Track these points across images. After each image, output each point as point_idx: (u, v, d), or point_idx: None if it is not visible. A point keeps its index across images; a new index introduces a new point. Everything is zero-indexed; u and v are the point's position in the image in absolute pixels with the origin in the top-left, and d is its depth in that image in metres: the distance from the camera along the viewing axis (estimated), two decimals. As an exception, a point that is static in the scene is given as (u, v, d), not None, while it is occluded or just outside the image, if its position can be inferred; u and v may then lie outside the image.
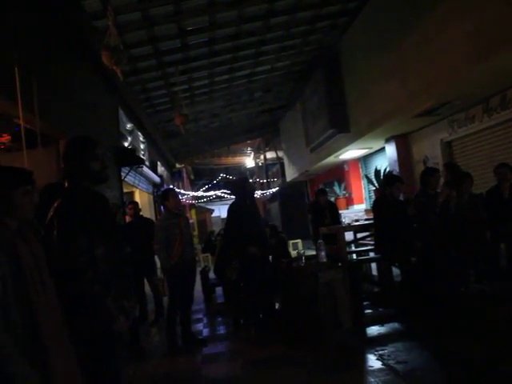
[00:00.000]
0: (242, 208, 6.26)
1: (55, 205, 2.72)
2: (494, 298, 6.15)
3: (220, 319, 7.64)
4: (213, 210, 35.33)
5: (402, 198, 6.81)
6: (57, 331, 2.22)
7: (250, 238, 6.03)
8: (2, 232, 2.09)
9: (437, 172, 6.40)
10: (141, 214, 7.90)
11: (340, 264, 5.99)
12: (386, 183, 6.73)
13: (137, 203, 8.07)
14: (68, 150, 2.88)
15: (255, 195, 7.21)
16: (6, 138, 5.38)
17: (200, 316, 8.00)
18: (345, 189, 15.05)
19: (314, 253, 7.77)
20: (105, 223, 2.75)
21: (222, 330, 6.94)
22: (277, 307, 6.70)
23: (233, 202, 6.64)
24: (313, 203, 10.01)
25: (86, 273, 2.55)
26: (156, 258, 6.79)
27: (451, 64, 6.66)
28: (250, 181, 7.10)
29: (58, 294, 2.38)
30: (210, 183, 27.87)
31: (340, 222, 8.43)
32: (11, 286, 2.01)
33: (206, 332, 6.89)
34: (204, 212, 32.28)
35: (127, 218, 8.30)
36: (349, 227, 6.90)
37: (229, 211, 6.58)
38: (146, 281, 7.55)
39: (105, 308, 2.61)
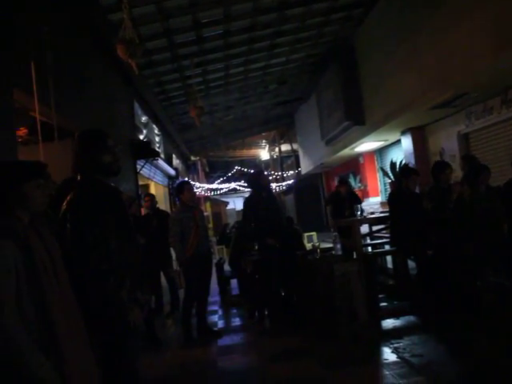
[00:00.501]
0: (258, 201, 6.27)
1: (68, 198, 2.74)
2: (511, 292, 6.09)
3: (235, 311, 7.67)
4: (228, 203, 35.42)
5: (417, 190, 6.75)
6: (71, 323, 2.24)
7: (266, 230, 6.04)
8: (15, 224, 2.11)
9: (447, 167, 6.34)
10: (157, 206, 7.94)
11: (355, 257, 5.97)
12: (401, 176, 6.68)
13: (153, 195, 8.11)
14: (79, 144, 2.88)
15: (271, 188, 7.21)
16: (22, 131, 5.42)
17: (215, 308, 8.04)
18: (360, 181, 14.98)
19: (329, 245, 7.76)
20: (118, 216, 2.76)
21: (236, 322, 6.97)
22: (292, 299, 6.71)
23: (248, 195, 6.66)
24: (333, 194, 9.74)
25: (101, 265, 2.57)
26: (172, 251, 6.83)
27: (469, 55, 6.57)
28: (265, 173, 7.08)
29: (74, 287, 2.40)
30: (224, 176, 27.87)
31: (362, 213, 8.21)
32: (24, 278, 2.04)
33: (221, 324, 6.92)
34: (219, 204, 32.36)
35: (143, 211, 8.35)
36: (364, 220, 6.86)
37: (244, 204, 6.60)
38: (162, 273, 7.60)
39: (119, 300, 2.63)
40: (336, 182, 9.76)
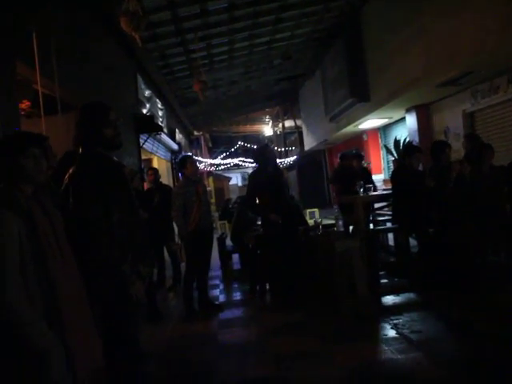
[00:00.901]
0: (263, 175, 6.25)
1: (70, 171, 2.74)
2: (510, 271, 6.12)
3: (236, 286, 7.74)
4: (230, 178, 35.43)
5: (421, 168, 6.74)
6: (74, 295, 2.27)
7: (270, 205, 6.04)
8: (18, 197, 2.12)
9: (447, 146, 6.32)
10: (160, 180, 7.94)
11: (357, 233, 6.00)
12: (405, 153, 6.67)
13: (157, 170, 8.10)
14: (81, 116, 2.88)
15: (277, 163, 7.14)
16: (25, 104, 5.40)
17: (217, 282, 8.10)
18: (363, 159, 14.91)
19: (331, 222, 7.79)
20: (120, 189, 2.76)
21: (237, 297, 7.04)
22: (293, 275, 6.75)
23: (254, 170, 6.63)
24: (340, 170, 8.98)
25: (103, 238, 2.59)
26: (174, 225, 6.86)
27: (476, 32, 6.49)
28: (272, 148, 7.02)
29: (77, 259, 2.42)
30: (227, 151, 27.81)
31: (376, 190, 7.99)
32: (28, 250, 2.05)
33: (222, 298, 6.99)
34: (222, 180, 32.36)
35: (146, 185, 8.36)
36: (366, 197, 6.86)
37: (249, 178, 6.59)
38: (164, 247, 7.65)
39: (121, 273, 2.65)
40: (338, 158, 9.27)
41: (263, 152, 6.50)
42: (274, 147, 25.07)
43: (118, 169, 2.85)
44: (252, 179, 6.46)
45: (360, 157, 9.11)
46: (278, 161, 8.01)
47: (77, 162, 2.79)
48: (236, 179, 36.86)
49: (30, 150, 2.20)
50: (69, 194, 2.65)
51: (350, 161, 8.73)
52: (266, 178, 6.20)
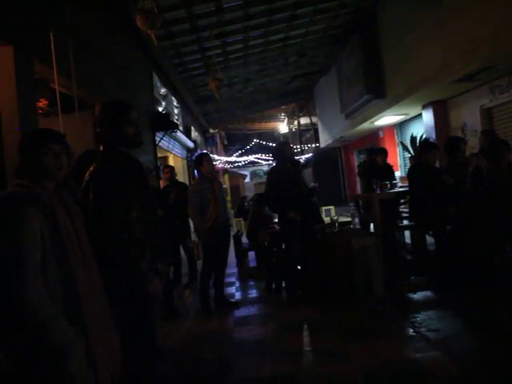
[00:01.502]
0: (282, 172, 6.23)
1: (91, 168, 2.76)
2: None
3: (252, 283, 7.73)
4: (246, 175, 35.44)
5: (437, 165, 6.68)
6: (94, 293, 2.28)
7: (289, 203, 6.03)
8: (41, 193, 2.14)
9: (461, 142, 6.25)
10: (176, 178, 7.97)
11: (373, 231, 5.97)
12: (421, 150, 6.61)
13: (173, 167, 8.13)
14: (103, 114, 2.90)
15: (296, 159, 7.10)
16: (43, 102, 5.45)
17: (232, 280, 8.11)
18: (387, 154, 14.81)
19: (347, 219, 7.75)
20: (139, 187, 2.78)
21: (253, 294, 7.03)
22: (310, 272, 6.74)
23: (272, 167, 6.63)
24: (366, 164, 8.83)
25: (123, 235, 2.61)
26: (190, 222, 6.87)
27: (496, 26, 6.40)
28: (291, 145, 6.99)
29: (96, 256, 2.44)
30: (243, 148, 27.81)
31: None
32: (50, 247, 2.07)
33: (238, 295, 6.99)
34: (237, 177, 32.39)
35: (162, 182, 8.39)
36: (383, 194, 6.82)
37: (268, 175, 6.58)
38: (180, 244, 7.68)
39: (140, 270, 2.66)
40: (362, 155, 9.04)
41: (282, 149, 6.48)
42: (290, 144, 25.08)
43: (138, 167, 2.89)
44: (271, 176, 6.45)
45: (384, 152, 8.85)
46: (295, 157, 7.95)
47: (98, 159, 2.82)
48: (248, 176, 36.80)
49: (49, 146, 2.22)
50: (89, 190, 2.67)
51: (376, 156, 8.61)
52: (285, 174, 6.18)
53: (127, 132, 2.83)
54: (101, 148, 2.90)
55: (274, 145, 8.16)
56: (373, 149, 8.86)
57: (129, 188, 2.69)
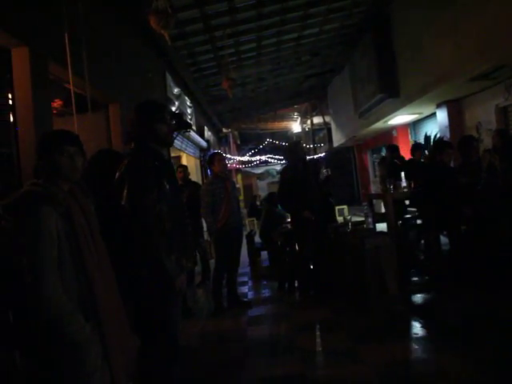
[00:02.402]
0: (294, 172, 6.22)
1: (124, 162, 2.84)
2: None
3: (265, 283, 7.74)
4: (259, 175, 35.37)
5: (452, 164, 6.63)
6: (109, 290, 2.30)
7: (302, 202, 6.02)
8: (57, 193, 2.16)
9: (473, 140, 6.20)
10: (189, 177, 7.99)
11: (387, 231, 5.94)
12: (435, 150, 6.56)
13: (186, 167, 8.16)
14: (139, 113, 3.01)
15: (307, 159, 7.10)
16: (58, 103, 5.50)
17: (245, 279, 8.13)
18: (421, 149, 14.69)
19: (360, 219, 7.72)
20: (169, 183, 2.86)
21: (266, 294, 7.04)
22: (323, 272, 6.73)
23: (285, 166, 6.63)
24: (390, 161, 8.30)
25: (155, 226, 2.67)
26: (203, 222, 6.89)
27: (510, 24, 6.33)
28: (302, 144, 6.99)
29: (122, 251, 2.50)
30: (256, 148, 27.81)
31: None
32: (66, 246, 2.09)
33: (250, 295, 7.00)
34: (250, 177, 32.39)
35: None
36: (397, 194, 6.77)
37: (281, 175, 6.58)
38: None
39: (169, 264, 2.70)
40: (383, 153, 8.74)
41: (294, 149, 6.48)
42: (302, 144, 25.03)
43: (169, 163, 3.04)
44: (283, 175, 6.45)
45: (420, 148, 8.57)
46: (307, 157, 7.93)
47: (131, 155, 2.91)
48: (262, 176, 36.61)
49: (64, 147, 2.24)
50: (124, 183, 2.74)
51: (393, 153, 8.41)
52: (297, 174, 6.17)
53: (161, 130, 2.94)
54: (131, 146, 2.99)
55: (286, 144, 8.15)
56: (390, 146, 8.75)
57: (160, 182, 2.78)
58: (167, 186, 2.82)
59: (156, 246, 2.66)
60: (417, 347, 4.07)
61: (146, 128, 2.92)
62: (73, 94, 4.47)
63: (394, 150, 8.53)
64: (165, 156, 3.02)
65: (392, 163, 8.08)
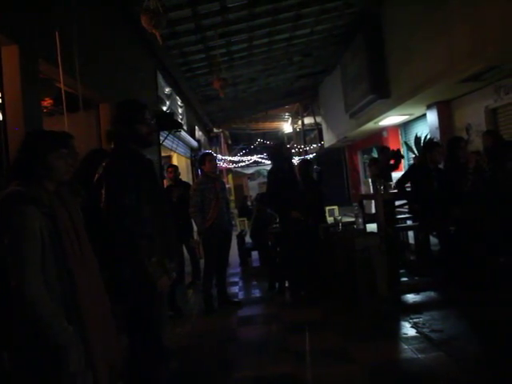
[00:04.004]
0: (281, 173, 6.25)
1: (103, 165, 2.78)
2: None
3: (255, 283, 7.75)
4: (250, 175, 35.34)
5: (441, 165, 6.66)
6: (94, 291, 2.29)
7: (291, 203, 6.04)
8: (41, 193, 2.15)
9: (461, 141, 6.23)
10: (179, 177, 7.97)
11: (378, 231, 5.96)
12: (425, 149, 6.63)
13: (176, 167, 8.13)
14: (118, 113, 2.96)
15: (293, 160, 7.14)
16: (48, 101, 5.46)
17: (236, 279, 8.12)
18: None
19: (351, 219, 7.73)
20: (150, 184, 2.83)
21: (257, 294, 7.04)
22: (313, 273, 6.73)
23: (271, 168, 6.65)
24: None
25: (134, 230, 2.63)
26: (193, 222, 6.89)
27: (502, 26, 6.37)
28: (287, 145, 7.03)
29: (102, 253, 2.45)
30: (247, 148, 27.80)
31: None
32: (49, 245, 2.08)
33: (241, 295, 7.00)
34: (241, 177, 32.37)
35: (166, 182, 8.40)
36: (387, 194, 6.80)
37: (268, 176, 6.60)
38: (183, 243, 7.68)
39: (149, 266, 2.67)
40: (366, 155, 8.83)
41: (279, 149, 6.51)
42: (293, 144, 25.05)
43: (150, 165, 2.95)
44: (271, 177, 6.47)
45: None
46: (293, 158, 7.93)
47: (110, 156, 2.87)
48: (252, 176, 36.53)
49: (61, 150, 2.24)
50: (101, 186, 2.71)
51: (386, 155, 8.45)
52: (283, 175, 6.20)
53: (141, 131, 2.88)
54: (112, 146, 2.94)
55: (271, 145, 8.18)
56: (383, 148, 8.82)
57: (140, 184, 2.73)
58: (148, 187, 2.78)
59: (136, 248, 2.63)
60: (406, 347, 4.08)
61: (126, 128, 2.87)
62: (63, 93, 4.45)
63: (386, 152, 8.57)
64: (145, 157, 2.95)
65: (387, 165, 8.10)
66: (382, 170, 8.22)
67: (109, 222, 2.62)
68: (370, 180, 8.14)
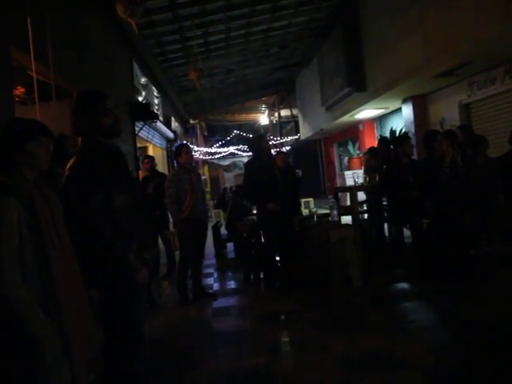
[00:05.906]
0: (259, 165, 6.26)
1: (71, 162, 2.70)
2: (504, 261, 6.15)
3: (230, 274, 7.75)
4: (226, 167, 35.30)
5: (415, 157, 6.76)
6: (71, 282, 2.27)
7: (267, 194, 6.05)
8: (19, 183, 2.12)
9: (438, 134, 6.29)
10: (156, 168, 7.92)
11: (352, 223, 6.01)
12: (395, 143, 6.72)
13: (153, 158, 8.07)
14: (76, 106, 2.79)
15: (272, 152, 7.16)
16: (20, 90, 5.36)
17: (211, 271, 8.11)
18: (359, 149, 14.93)
19: (326, 211, 7.78)
20: (122, 176, 2.76)
21: (232, 285, 7.05)
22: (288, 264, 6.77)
23: (250, 159, 6.65)
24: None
25: (106, 228, 2.56)
26: (169, 213, 6.86)
27: (476, 23, 6.46)
28: (267, 138, 7.04)
29: (79, 249, 2.42)
30: (223, 140, 27.72)
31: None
32: (27, 236, 2.05)
33: (216, 286, 7.00)
34: (217, 169, 32.33)
35: (142, 173, 8.34)
36: (361, 187, 6.86)
37: (246, 168, 6.59)
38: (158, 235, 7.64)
39: (127, 261, 2.64)
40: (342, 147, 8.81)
41: (259, 142, 6.52)
42: (269, 136, 25.05)
43: (119, 156, 2.85)
44: (248, 169, 6.47)
45: (384, 142, 8.04)
46: (272, 151, 7.92)
47: (77, 152, 2.75)
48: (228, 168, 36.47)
49: (41, 139, 2.21)
50: (71, 184, 2.62)
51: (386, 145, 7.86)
52: (262, 167, 6.21)
53: (104, 122, 2.74)
54: (79, 140, 2.82)
55: (251, 136, 8.17)
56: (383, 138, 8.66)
57: (111, 178, 2.65)
58: (119, 181, 2.69)
59: (109, 247, 2.57)
60: (381, 338, 4.13)
61: (89, 121, 2.72)
62: (35, 82, 4.36)
63: (386, 142, 8.12)
64: (114, 147, 2.83)
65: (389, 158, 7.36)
66: (381, 164, 7.44)
67: (79, 223, 2.55)
68: (357, 173, 7.41)
